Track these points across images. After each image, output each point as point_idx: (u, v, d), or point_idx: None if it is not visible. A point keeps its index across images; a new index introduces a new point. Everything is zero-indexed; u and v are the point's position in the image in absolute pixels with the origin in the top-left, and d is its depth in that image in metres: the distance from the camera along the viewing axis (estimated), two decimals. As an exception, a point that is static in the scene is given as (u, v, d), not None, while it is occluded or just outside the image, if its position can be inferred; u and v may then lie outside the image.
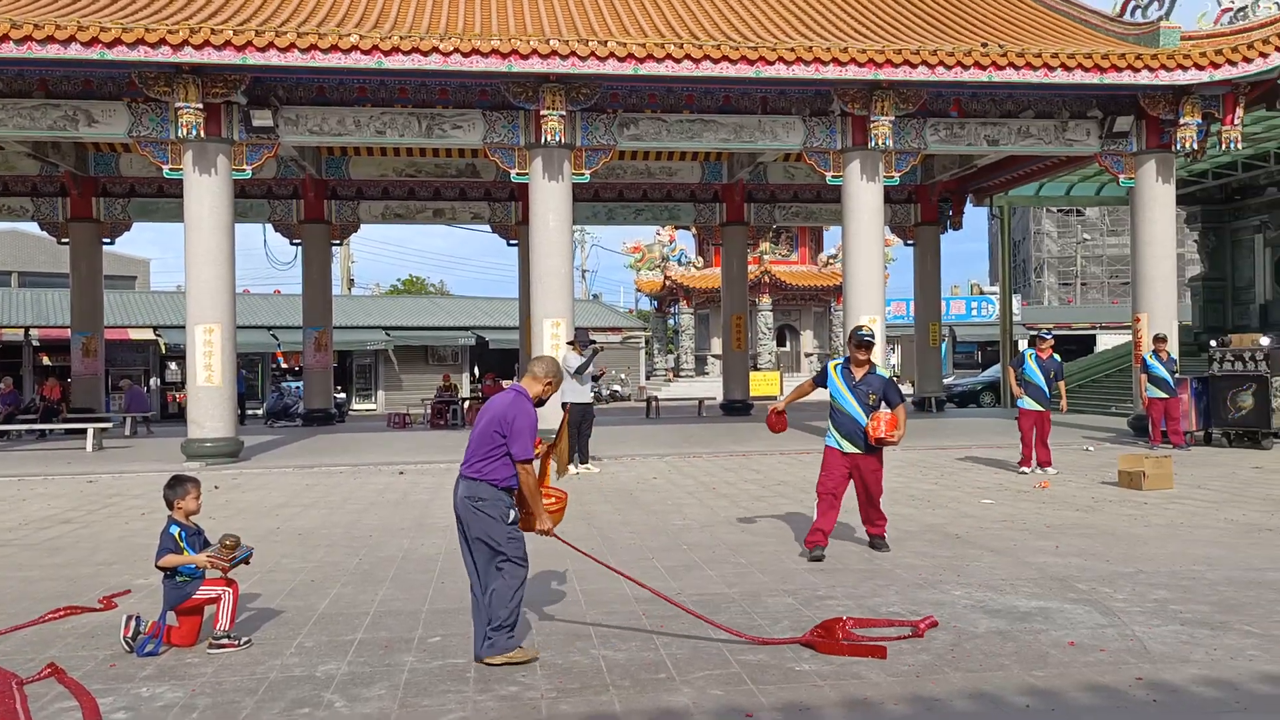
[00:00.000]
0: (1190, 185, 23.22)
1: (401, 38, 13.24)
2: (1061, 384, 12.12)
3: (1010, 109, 15.81)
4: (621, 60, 13.56)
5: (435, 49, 13.28)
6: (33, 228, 23.46)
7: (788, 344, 38.90)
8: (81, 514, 9.62)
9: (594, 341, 13.45)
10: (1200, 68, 14.55)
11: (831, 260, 37.35)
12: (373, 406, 33.97)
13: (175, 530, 5.15)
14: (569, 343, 13.16)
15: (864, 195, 15.41)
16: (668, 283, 38.07)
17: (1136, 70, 14.50)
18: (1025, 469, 11.76)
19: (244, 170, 14.39)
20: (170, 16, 13.54)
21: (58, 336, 27.81)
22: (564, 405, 11.14)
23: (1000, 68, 14.26)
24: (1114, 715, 3.93)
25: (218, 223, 14.08)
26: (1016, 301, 39.90)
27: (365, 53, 13.18)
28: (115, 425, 19.38)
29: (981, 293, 49.17)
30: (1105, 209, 55.20)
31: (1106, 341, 39.16)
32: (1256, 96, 15.42)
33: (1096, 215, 58.52)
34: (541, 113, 14.16)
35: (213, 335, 13.99)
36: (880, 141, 14.96)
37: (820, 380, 7.36)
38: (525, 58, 13.41)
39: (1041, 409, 11.75)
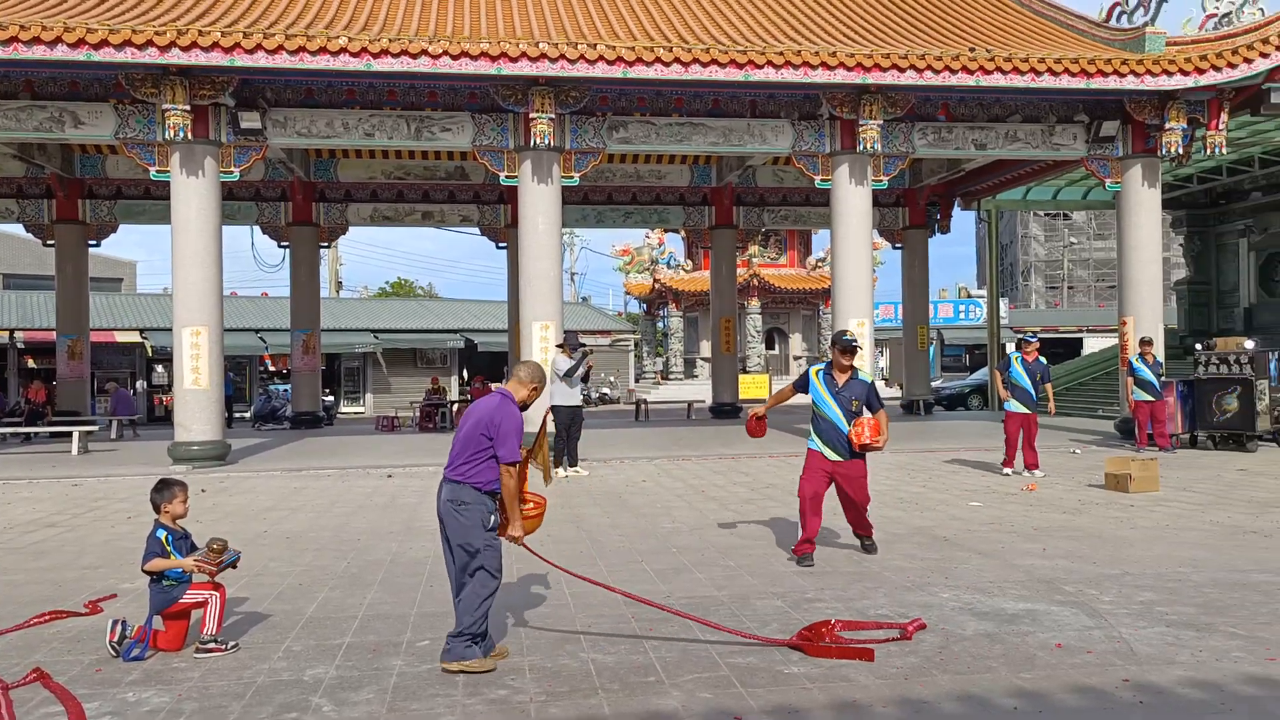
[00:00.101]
0: (1176, 190, 23.38)
1: (390, 40, 13.22)
2: (1049, 386, 12.18)
3: (998, 113, 15.90)
4: (611, 63, 13.58)
5: (424, 51, 13.26)
6: (18, 229, 23.28)
7: (776, 347, 39.00)
8: (67, 518, 9.56)
9: (583, 344, 13.46)
10: (1185, 73, 14.65)
11: (820, 263, 37.47)
12: (361, 409, 33.86)
13: (162, 534, 5.12)
14: (558, 346, 13.16)
15: (852, 199, 15.46)
16: (657, 286, 38.11)
17: (1122, 75, 14.60)
18: (1008, 470, 11.87)
19: (232, 172, 14.34)
20: (158, 18, 13.48)
21: (43, 339, 27.62)
22: (548, 410, 11.12)
23: (988, 72, 14.33)
24: (1101, 717, 3.95)
25: (205, 225, 14.02)
26: (1004, 305, 40.06)
27: (354, 55, 13.15)
28: (101, 428, 19.26)
29: (969, 296, 49.36)
30: (1092, 213, 55.52)
31: (1093, 345, 39.36)
32: (1241, 101, 15.54)
33: (1083, 219, 58.84)
34: (531, 116, 14.16)
35: (200, 338, 13.93)
36: (869, 145, 15.02)
37: (801, 385, 7.25)
38: (514, 60, 13.41)
39: (1028, 411, 11.81)
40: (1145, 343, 14.30)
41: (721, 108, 15.36)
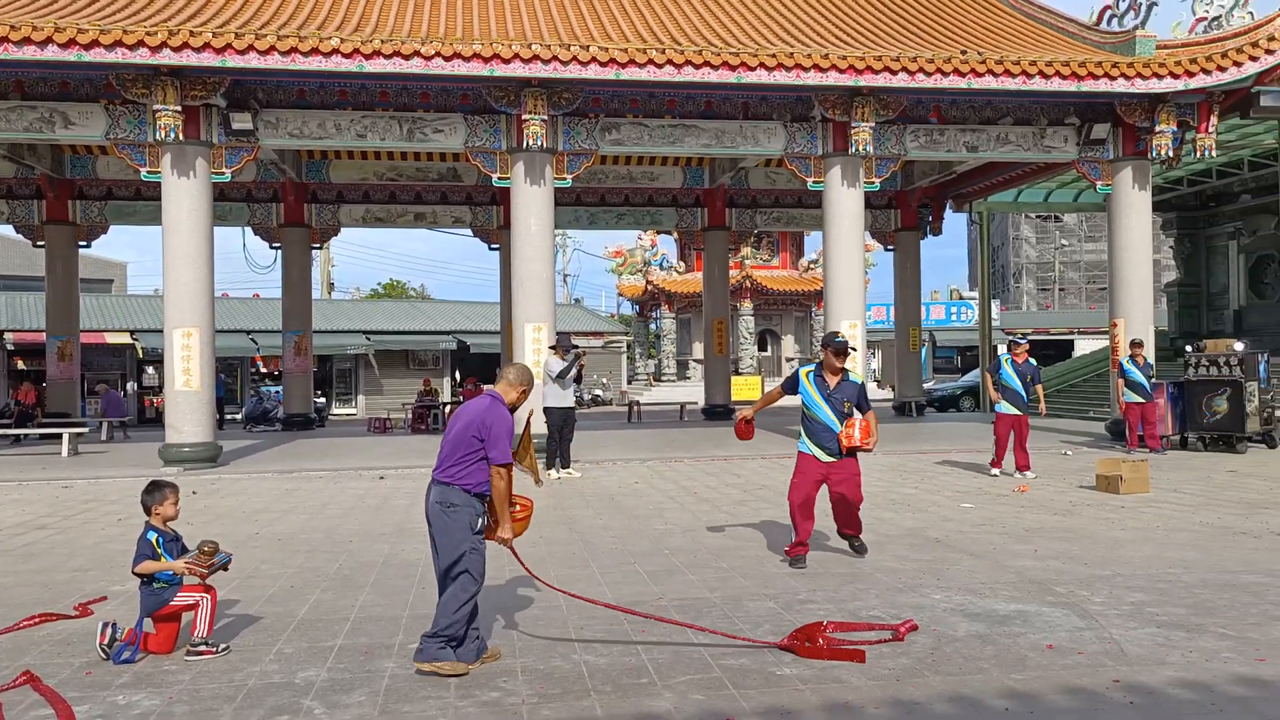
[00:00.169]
0: (1166, 192, 23.48)
1: (383, 41, 13.21)
2: (1039, 388, 12.22)
3: (989, 116, 15.95)
4: (603, 65, 13.58)
5: (416, 52, 13.24)
6: (8, 230, 23.18)
7: (769, 348, 39.05)
8: (57, 520, 9.51)
9: (576, 346, 13.45)
10: (1175, 76, 14.72)
11: (812, 265, 37.53)
12: (353, 411, 33.78)
13: (153, 536, 5.10)
14: (551, 347, 13.15)
15: (845, 201, 15.49)
16: (649, 287, 38.13)
17: (1113, 78, 14.66)
18: (995, 471, 11.94)
19: (223, 173, 14.30)
20: (150, 18, 13.44)
21: (33, 340, 27.48)
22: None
23: (979, 75, 14.38)
24: (1092, 717, 3.97)
25: (196, 226, 13.98)
26: (995, 307, 40.22)
27: (346, 56, 13.13)
28: (91, 430, 19.18)
29: (961, 298, 49.53)
30: (1083, 215, 55.72)
31: (1084, 346, 39.54)
32: (1230, 105, 15.62)
33: (1074, 221, 59.06)
34: (523, 117, 14.15)
35: (191, 339, 13.88)
36: (861, 147, 15.05)
37: (790, 387, 7.22)
38: (507, 62, 13.41)
39: (1018, 413, 11.85)
40: (1136, 344, 14.35)
41: (714, 109, 15.38)
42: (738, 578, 6.58)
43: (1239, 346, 14.89)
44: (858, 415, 7.02)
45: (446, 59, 13.30)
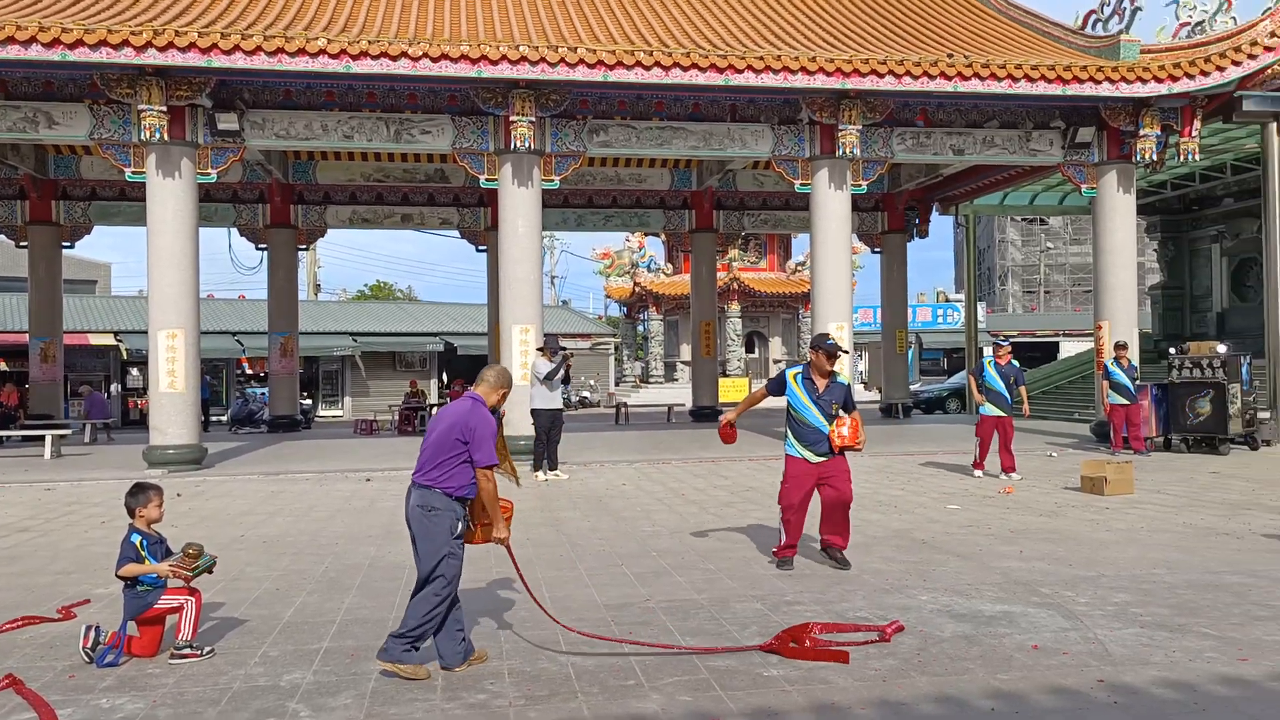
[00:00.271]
0: (1150, 195, 23.64)
1: (370, 42, 13.17)
2: (1023, 389, 12.29)
3: (976, 119, 16.02)
4: (591, 67, 13.59)
5: (404, 53, 13.21)
6: (-10, 231, 22.99)
7: (756, 350, 39.12)
8: (40, 522, 9.44)
9: (563, 348, 13.44)
10: (1159, 80, 14.84)
11: (799, 267, 37.62)
12: (339, 413, 33.65)
13: (137, 539, 5.07)
14: (538, 349, 13.14)
15: (832, 203, 15.54)
16: (637, 289, 38.14)
17: (1098, 82, 14.76)
18: (978, 472, 12.00)
19: (209, 174, 14.22)
20: (135, 18, 13.37)
21: (15, 341, 27.25)
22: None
23: (966, 78, 14.45)
24: (1076, 717, 3.99)
25: (181, 227, 13.90)
26: (981, 309, 40.39)
27: (333, 56, 13.08)
28: (75, 432, 19.04)
29: (947, 300, 49.75)
30: (1068, 218, 56.05)
31: (1069, 349, 39.76)
32: (1214, 109, 15.75)
33: (1060, 224, 59.41)
34: (511, 118, 14.14)
35: (176, 340, 13.80)
36: (848, 150, 15.10)
37: (776, 389, 7.15)
38: (495, 63, 13.39)
39: (1002, 415, 11.91)
40: (1120, 347, 14.45)
41: (702, 112, 15.41)
42: (725, 579, 6.59)
43: (1222, 349, 15.01)
44: (845, 414, 7.01)
45: (434, 60, 13.28)
